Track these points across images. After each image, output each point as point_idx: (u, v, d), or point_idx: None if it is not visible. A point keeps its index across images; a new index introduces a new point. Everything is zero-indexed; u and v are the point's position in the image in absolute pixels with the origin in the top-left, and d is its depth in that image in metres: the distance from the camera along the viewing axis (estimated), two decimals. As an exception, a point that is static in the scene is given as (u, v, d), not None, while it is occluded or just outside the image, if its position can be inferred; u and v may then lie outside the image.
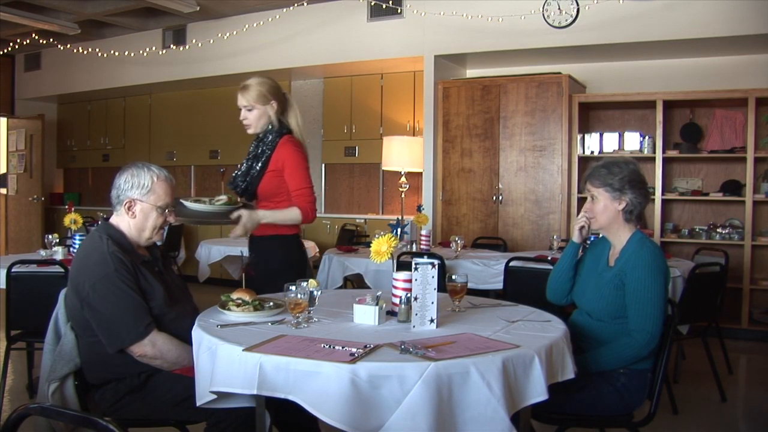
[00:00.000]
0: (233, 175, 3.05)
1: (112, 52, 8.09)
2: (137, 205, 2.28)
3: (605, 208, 2.43)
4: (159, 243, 2.45)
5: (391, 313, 2.18)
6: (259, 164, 2.95)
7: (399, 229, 2.84)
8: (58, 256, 3.84)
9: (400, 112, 7.33)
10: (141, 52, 7.93)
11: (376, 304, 2.10)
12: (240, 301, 2.20)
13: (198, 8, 6.99)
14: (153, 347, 2.14)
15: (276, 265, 2.88)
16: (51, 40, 8.23)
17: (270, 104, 2.96)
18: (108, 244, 2.19)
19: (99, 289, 2.11)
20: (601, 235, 2.59)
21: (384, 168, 5.97)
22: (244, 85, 2.97)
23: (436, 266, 2.03)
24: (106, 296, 2.11)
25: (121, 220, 2.30)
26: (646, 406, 2.33)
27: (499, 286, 3.98)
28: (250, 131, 3.01)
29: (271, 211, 2.90)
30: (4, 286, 3.44)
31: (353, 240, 6.18)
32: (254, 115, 2.96)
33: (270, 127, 2.99)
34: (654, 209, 5.68)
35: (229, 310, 2.17)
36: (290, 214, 2.89)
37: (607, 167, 2.44)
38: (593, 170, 2.48)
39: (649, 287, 2.28)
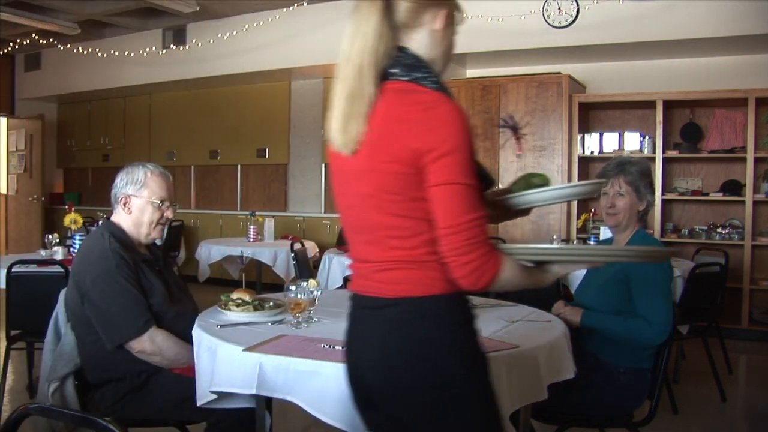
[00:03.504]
0: None
1: (112, 52, 8.09)
2: (132, 200, 2.31)
3: (631, 207, 2.43)
4: (159, 242, 2.46)
5: (391, 313, 2.17)
6: None
7: (399, 229, 2.83)
8: (58, 256, 3.83)
9: (400, 112, 7.32)
10: (141, 52, 7.93)
11: (376, 304, 2.09)
12: (240, 301, 2.20)
13: (198, 8, 6.99)
14: (152, 343, 2.14)
15: None
16: (51, 40, 8.23)
17: None
18: (110, 241, 2.21)
19: (99, 284, 2.13)
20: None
21: (384, 168, 5.94)
22: None
23: (436, 266, 2.02)
24: (107, 291, 2.13)
25: (120, 217, 2.34)
26: (646, 406, 2.33)
27: (499, 286, 3.97)
28: None
29: None
30: (4, 286, 3.44)
31: (353, 240, 6.17)
32: None
33: None
34: (654, 209, 5.68)
35: (229, 310, 2.17)
36: None
37: (637, 165, 2.44)
38: (623, 167, 2.45)
39: (658, 281, 2.30)
